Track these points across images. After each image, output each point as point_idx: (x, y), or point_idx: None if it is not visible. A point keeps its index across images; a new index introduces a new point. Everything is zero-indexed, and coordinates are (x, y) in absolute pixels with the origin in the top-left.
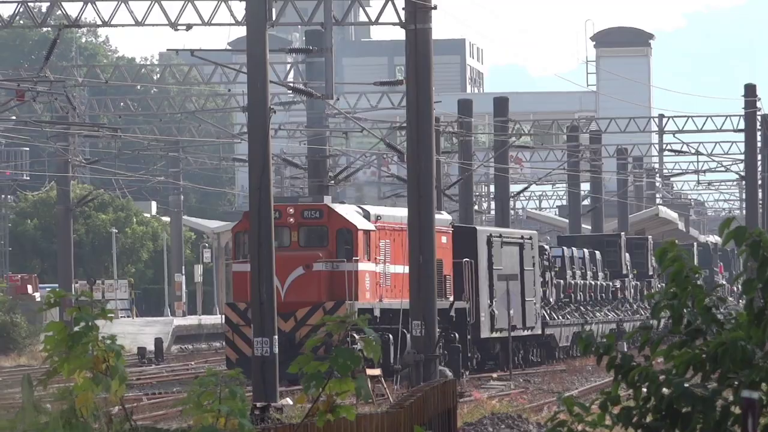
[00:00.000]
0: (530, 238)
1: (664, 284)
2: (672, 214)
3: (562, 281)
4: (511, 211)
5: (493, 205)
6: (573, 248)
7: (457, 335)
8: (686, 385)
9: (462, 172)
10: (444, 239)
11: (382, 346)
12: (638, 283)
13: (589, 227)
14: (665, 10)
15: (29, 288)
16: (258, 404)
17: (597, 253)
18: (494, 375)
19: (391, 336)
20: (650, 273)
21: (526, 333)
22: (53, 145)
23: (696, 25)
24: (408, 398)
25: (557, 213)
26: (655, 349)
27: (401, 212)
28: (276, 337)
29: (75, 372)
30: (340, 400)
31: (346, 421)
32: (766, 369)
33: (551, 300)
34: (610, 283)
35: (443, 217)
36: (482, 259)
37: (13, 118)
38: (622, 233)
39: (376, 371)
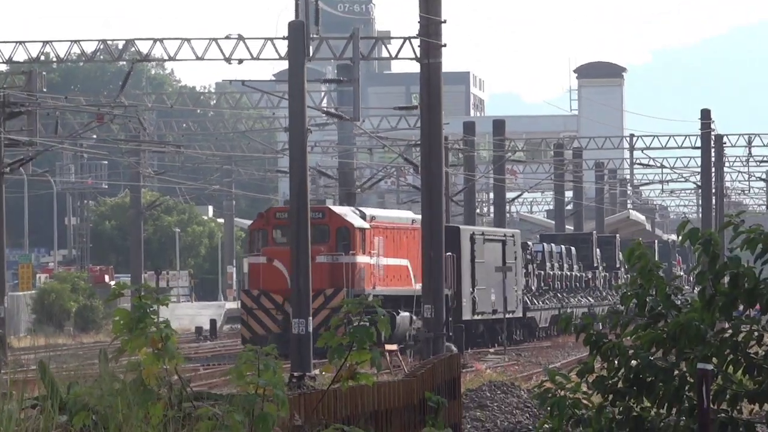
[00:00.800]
0: (512, 236)
1: (630, 275)
2: (640, 217)
3: (542, 272)
4: (507, 214)
5: (492, 209)
6: (552, 245)
7: None
8: (650, 358)
9: (466, 181)
10: None
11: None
12: (607, 273)
13: (572, 228)
14: (635, 48)
15: (106, 277)
16: (296, 374)
17: (572, 248)
18: (491, 350)
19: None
20: (617, 266)
21: (507, 316)
22: (127, 159)
23: (661, 60)
24: (420, 369)
25: (545, 216)
26: (624, 329)
27: (393, 213)
28: (311, 318)
29: (137, 350)
30: (361, 369)
31: (367, 386)
32: (716, 345)
33: (533, 288)
34: (584, 274)
35: None
36: (465, 254)
37: (94, 137)
38: (594, 232)
39: (393, 346)
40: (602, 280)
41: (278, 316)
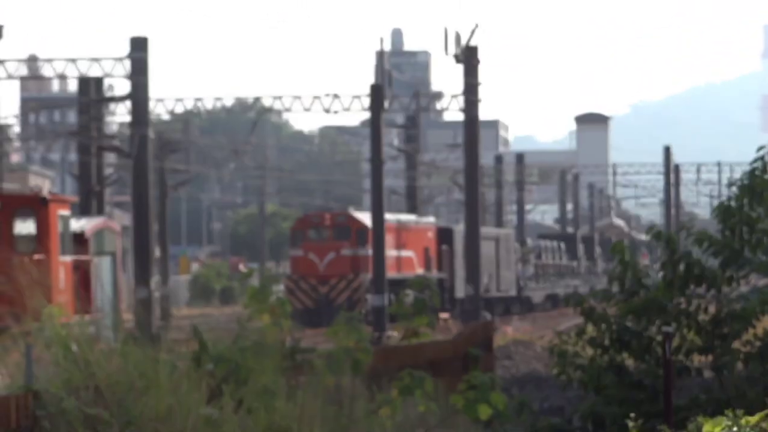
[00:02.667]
0: (506, 235)
1: (608, 264)
2: (621, 222)
3: (538, 262)
4: (526, 220)
5: (515, 217)
6: (547, 241)
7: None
8: (627, 324)
9: (496, 198)
10: (430, 234)
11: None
12: (588, 262)
13: (572, 230)
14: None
15: (240, 266)
16: (376, 333)
17: (562, 244)
18: (515, 317)
19: (394, 296)
20: (595, 257)
21: (500, 295)
22: (255, 182)
23: (636, 110)
24: (464, 330)
25: (553, 222)
26: (609, 303)
27: (401, 216)
28: (386, 294)
29: (261, 316)
30: (422, 330)
31: (426, 344)
32: (675, 314)
33: (530, 273)
34: (570, 263)
35: (429, 220)
36: (458, 248)
37: (232, 165)
38: (577, 232)
39: (446, 314)
40: (584, 268)
41: (313, 295)
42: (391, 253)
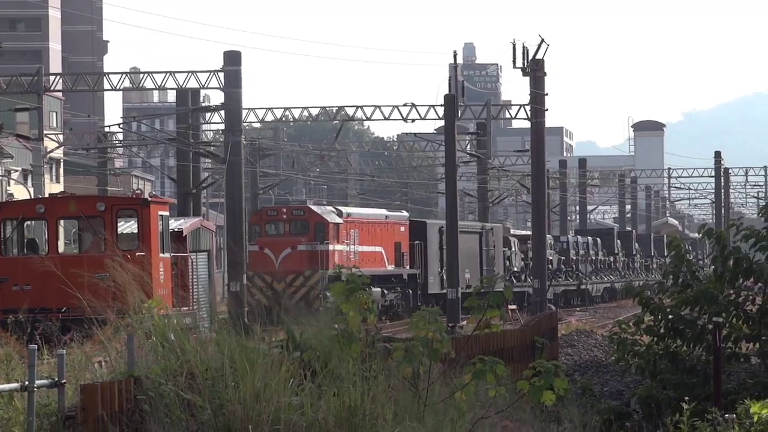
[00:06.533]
0: (491, 229)
1: (668, 259)
2: (675, 222)
3: (563, 257)
4: (588, 219)
5: (578, 217)
6: (579, 237)
7: (410, 291)
8: (681, 314)
9: (560, 199)
10: (402, 229)
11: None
12: (626, 258)
13: (629, 228)
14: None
15: None
16: (450, 324)
17: (598, 239)
18: (578, 309)
19: None
20: (633, 253)
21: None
22: (339, 185)
23: (688, 118)
24: (531, 321)
25: (613, 221)
26: (665, 294)
27: (369, 211)
28: (459, 287)
29: (348, 309)
30: (493, 321)
31: (496, 333)
32: (725, 305)
33: (552, 268)
34: (607, 258)
35: (402, 214)
36: (433, 242)
37: (318, 170)
38: (615, 227)
39: (514, 306)
40: (621, 263)
41: (268, 292)
42: (355, 248)
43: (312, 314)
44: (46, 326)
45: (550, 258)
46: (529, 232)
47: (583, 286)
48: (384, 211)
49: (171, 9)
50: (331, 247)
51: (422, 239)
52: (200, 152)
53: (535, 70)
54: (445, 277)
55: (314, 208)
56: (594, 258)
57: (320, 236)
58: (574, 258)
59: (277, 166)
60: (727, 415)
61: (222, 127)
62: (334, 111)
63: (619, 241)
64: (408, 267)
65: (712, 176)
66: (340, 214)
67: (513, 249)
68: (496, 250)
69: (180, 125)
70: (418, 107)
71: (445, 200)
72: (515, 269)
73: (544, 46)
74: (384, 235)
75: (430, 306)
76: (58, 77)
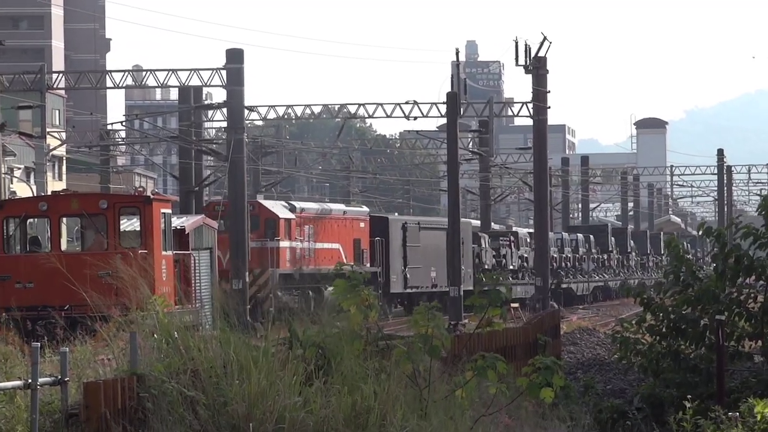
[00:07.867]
0: (461, 225)
1: (667, 258)
2: (677, 219)
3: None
4: (591, 217)
5: (580, 214)
6: (566, 234)
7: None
8: (683, 312)
9: (563, 197)
10: (362, 224)
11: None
12: (620, 256)
13: (632, 226)
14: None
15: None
16: (452, 322)
17: (591, 236)
18: (580, 307)
19: (311, 292)
20: (629, 250)
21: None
22: (341, 182)
23: (691, 116)
24: (533, 319)
25: (615, 218)
26: (665, 293)
27: (325, 206)
28: (462, 286)
29: (350, 305)
30: (494, 319)
31: (498, 330)
32: (726, 303)
33: (512, 267)
34: (600, 256)
35: (362, 209)
36: (395, 239)
37: (320, 168)
38: (609, 224)
39: (516, 304)
40: (615, 261)
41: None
42: (309, 245)
43: (262, 316)
44: (49, 324)
45: (525, 256)
46: (498, 229)
47: (564, 285)
48: (342, 206)
49: (173, 7)
50: (282, 243)
51: (384, 236)
52: (202, 150)
53: (537, 67)
54: (408, 276)
55: (264, 202)
56: (584, 256)
57: (270, 232)
58: (555, 255)
59: (280, 163)
60: (730, 414)
61: (224, 124)
62: (337, 109)
63: (613, 238)
64: (368, 265)
65: (715, 174)
66: (293, 209)
67: (483, 246)
68: (465, 246)
69: (182, 123)
70: (420, 105)
71: (447, 198)
72: (486, 266)
73: (546, 43)
74: (342, 231)
75: (393, 307)
76: (60, 75)
